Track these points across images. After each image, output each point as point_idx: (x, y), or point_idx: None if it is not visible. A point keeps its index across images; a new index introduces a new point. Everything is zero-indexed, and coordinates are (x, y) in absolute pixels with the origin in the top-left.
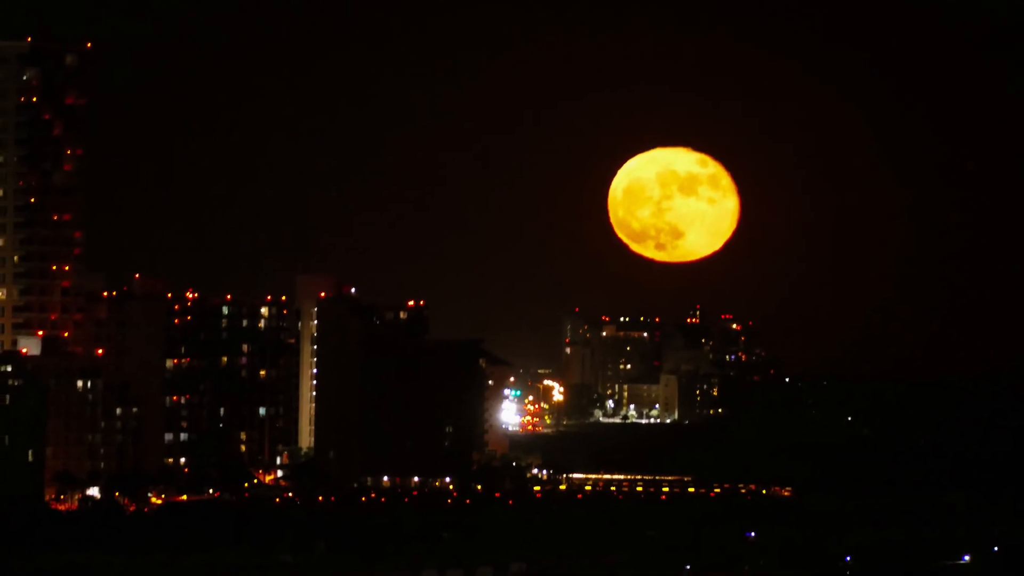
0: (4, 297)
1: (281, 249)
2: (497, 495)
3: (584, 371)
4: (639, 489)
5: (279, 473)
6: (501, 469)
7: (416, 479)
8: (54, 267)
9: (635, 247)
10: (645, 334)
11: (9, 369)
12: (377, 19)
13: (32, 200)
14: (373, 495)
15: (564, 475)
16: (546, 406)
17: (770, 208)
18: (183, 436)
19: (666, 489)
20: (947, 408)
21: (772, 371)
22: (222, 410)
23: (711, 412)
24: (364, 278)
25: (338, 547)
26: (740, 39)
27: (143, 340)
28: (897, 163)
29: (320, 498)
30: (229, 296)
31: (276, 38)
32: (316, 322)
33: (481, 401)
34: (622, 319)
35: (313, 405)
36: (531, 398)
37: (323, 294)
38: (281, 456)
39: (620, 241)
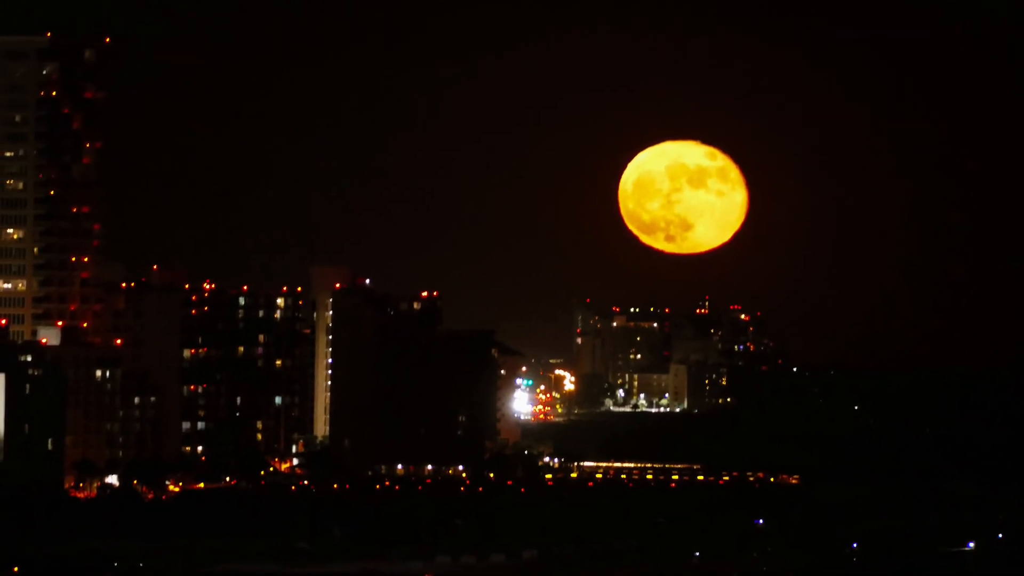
0: (24, 288)
1: (296, 241)
2: (509, 483)
3: (595, 361)
4: (649, 477)
5: (295, 461)
6: (513, 457)
7: (429, 467)
8: (73, 259)
9: (645, 239)
10: (655, 324)
11: (29, 359)
12: (388, 17)
13: (52, 193)
14: (387, 483)
15: (575, 463)
16: (557, 395)
17: (778, 201)
18: (200, 425)
19: (676, 477)
20: (951, 398)
21: (780, 361)
22: (239, 399)
23: (720, 401)
24: (378, 270)
25: (353, 534)
26: (747, 36)
27: (161, 330)
28: (900, 158)
29: (335, 486)
30: (245, 287)
31: (290, 34)
32: (331, 313)
33: (493, 390)
34: (632, 310)
35: (328, 394)
36: (543, 387)
37: (338, 285)
38: (297, 444)
39: (630, 233)
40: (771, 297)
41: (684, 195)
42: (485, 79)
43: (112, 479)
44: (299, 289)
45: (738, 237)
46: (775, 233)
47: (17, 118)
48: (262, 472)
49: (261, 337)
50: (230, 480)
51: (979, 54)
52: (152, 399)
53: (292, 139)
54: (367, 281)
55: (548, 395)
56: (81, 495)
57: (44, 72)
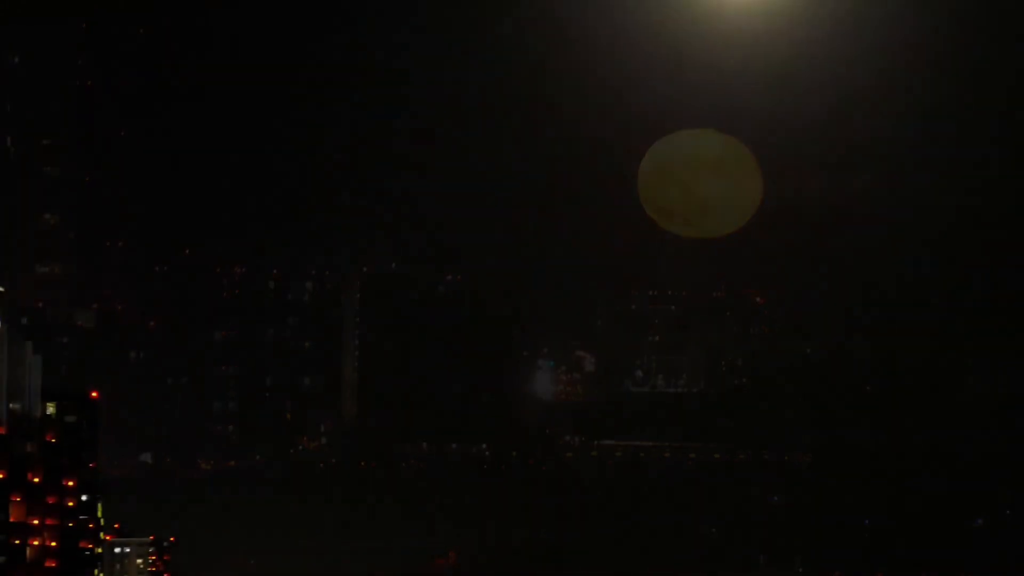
0: (60, 271)
1: (323, 225)
2: (530, 461)
3: (614, 342)
4: (666, 455)
5: (323, 440)
6: (534, 436)
7: (453, 445)
8: (108, 243)
9: (663, 223)
10: (672, 307)
11: (65, 341)
12: (404, 8)
13: (87, 179)
14: (412, 460)
15: (595, 442)
16: (578, 376)
17: (792, 187)
18: (231, 405)
19: (692, 456)
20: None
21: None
22: (268, 380)
23: (736, 382)
24: (404, 252)
25: (379, 510)
26: (762, 25)
27: (193, 312)
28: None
29: (362, 463)
30: (275, 270)
31: (308, 27)
32: (359, 295)
33: (516, 371)
34: (650, 292)
35: (355, 375)
36: (564, 368)
37: (365, 268)
38: (324, 424)
39: (648, 217)
40: (786, 281)
41: (701, 181)
42: (503, 69)
43: (146, 456)
44: (327, 272)
45: (754, 222)
46: (790, 219)
47: (54, 105)
48: (291, 451)
49: (290, 319)
50: (260, 458)
51: (987, 45)
52: (184, 379)
53: (328, 124)
54: (393, 265)
55: (569, 376)
56: (115, 472)
57: (80, 62)
